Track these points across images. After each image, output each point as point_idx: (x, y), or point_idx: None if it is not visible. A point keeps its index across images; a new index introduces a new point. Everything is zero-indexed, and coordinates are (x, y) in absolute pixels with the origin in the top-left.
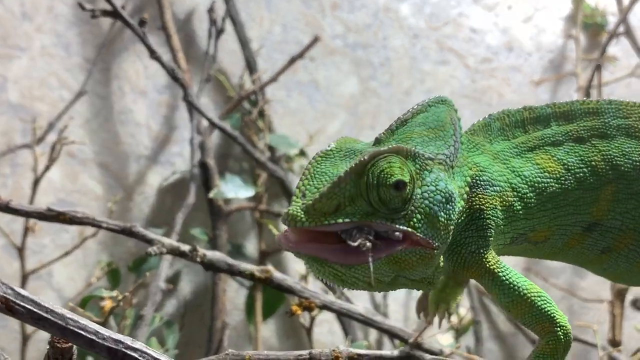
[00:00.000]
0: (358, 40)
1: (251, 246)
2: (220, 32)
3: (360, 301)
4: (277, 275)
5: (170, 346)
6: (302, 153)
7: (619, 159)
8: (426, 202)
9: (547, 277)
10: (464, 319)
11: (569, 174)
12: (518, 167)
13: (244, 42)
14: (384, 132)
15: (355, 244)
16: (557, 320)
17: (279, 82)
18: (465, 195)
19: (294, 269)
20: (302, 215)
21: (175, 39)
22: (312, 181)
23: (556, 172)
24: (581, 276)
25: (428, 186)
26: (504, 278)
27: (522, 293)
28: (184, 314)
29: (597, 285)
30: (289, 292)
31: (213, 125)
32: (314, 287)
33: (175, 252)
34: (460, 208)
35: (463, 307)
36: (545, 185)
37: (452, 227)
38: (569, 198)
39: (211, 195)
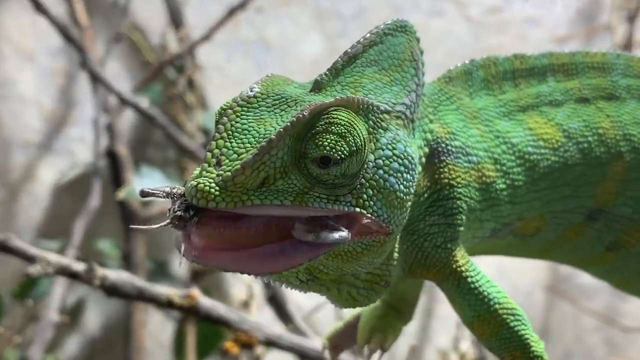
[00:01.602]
0: None
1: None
2: None
3: (322, 333)
4: (204, 302)
5: None
6: None
7: (631, 127)
8: (380, 172)
9: (577, 298)
10: (466, 356)
11: (571, 143)
12: (505, 131)
13: None
14: (326, 73)
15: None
16: (532, 349)
17: (215, 41)
18: (423, 159)
19: (235, 294)
20: (216, 192)
21: None
22: (231, 142)
23: (554, 140)
24: (622, 297)
25: (383, 150)
26: (473, 285)
27: (492, 308)
28: (91, 355)
29: None
30: (221, 323)
31: (123, 101)
32: (260, 316)
33: (66, 273)
34: (418, 176)
35: (465, 340)
36: (540, 157)
37: (410, 202)
38: (568, 175)
39: (121, 195)
